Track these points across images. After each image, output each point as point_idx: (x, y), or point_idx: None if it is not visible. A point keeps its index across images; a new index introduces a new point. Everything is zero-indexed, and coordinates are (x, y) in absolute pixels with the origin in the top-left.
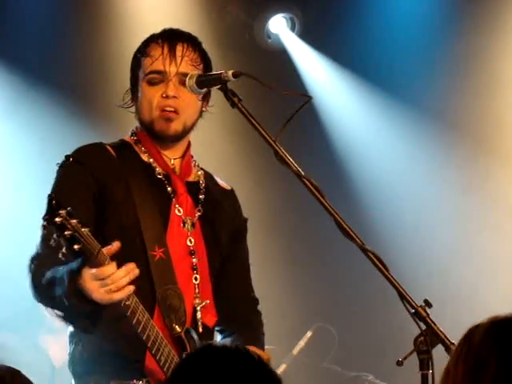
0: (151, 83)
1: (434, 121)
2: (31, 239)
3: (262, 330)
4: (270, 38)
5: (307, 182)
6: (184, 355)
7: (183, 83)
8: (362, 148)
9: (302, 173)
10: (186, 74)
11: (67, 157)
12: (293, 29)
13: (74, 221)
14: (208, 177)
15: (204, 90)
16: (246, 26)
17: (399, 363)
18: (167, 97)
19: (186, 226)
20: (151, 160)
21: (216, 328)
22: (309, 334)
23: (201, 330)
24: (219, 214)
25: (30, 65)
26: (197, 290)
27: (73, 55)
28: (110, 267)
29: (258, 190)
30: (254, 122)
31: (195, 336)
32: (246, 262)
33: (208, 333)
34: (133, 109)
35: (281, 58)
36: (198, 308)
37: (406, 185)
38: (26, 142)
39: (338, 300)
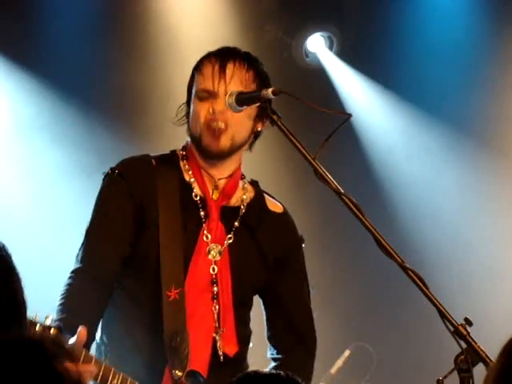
0: (200, 98)
1: (475, 139)
2: (69, 250)
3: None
4: (307, 56)
5: (347, 200)
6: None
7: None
8: (401, 166)
9: (342, 190)
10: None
11: (112, 169)
12: (331, 47)
13: (39, 328)
14: (257, 200)
15: (244, 107)
16: (284, 45)
17: (439, 382)
18: (214, 112)
19: (212, 253)
20: (192, 180)
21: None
22: (347, 353)
23: (222, 359)
24: (257, 242)
25: (66, 80)
26: (216, 320)
27: (110, 71)
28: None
29: (294, 207)
30: (294, 140)
31: (199, 378)
32: (298, 286)
33: (229, 363)
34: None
35: (319, 77)
36: (217, 337)
37: (445, 203)
38: (63, 157)
39: (375, 319)
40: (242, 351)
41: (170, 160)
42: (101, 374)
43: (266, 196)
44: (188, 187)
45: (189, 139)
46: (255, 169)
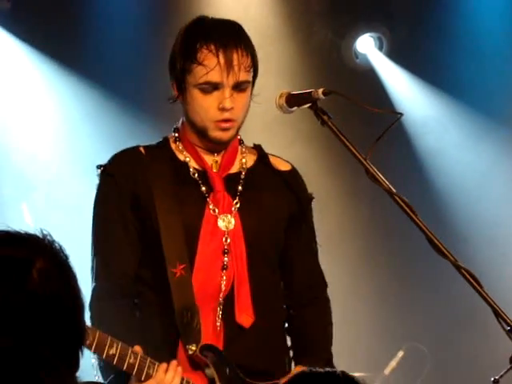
0: (204, 91)
1: None
2: None
3: (328, 319)
4: (357, 57)
5: (399, 200)
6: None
7: (236, 88)
8: (452, 166)
9: (394, 190)
10: (243, 82)
11: (98, 167)
12: (380, 48)
13: None
14: (260, 162)
15: (294, 108)
16: (334, 46)
17: (495, 381)
18: (224, 109)
19: (223, 223)
20: (187, 159)
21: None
22: (400, 353)
23: (232, 330)
24: (266, 201)
25: (107, 78)
26: (224, 291)
27: (150, 70)
28: (165, 376)
29: (349, 201)
30: (345, 140)
31: (215, 351)
32: (309, 246)
33: (243, 333)
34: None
35: (369, 78)
36: (225, 309)
37: (498, 199)
38: (101, 151)
39: (428, 319)
40: (263, 323)
41: (161, 145)
42: (95, 342)
43: (272, 156)
44: (183, 167)
45: (181, 120)
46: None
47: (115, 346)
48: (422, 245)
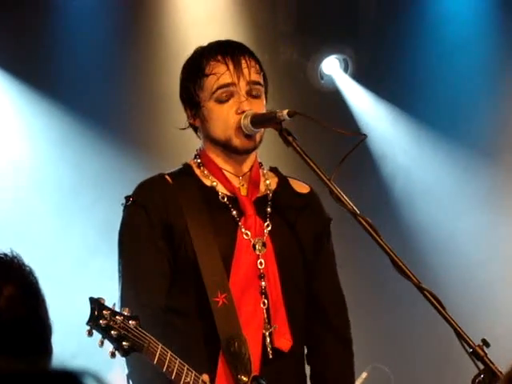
0: (220, 101)
1: (491, 159)
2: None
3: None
4: (323, 78)
5: (363, 221)
6: None
7: (251, 94)
8: (416, 185)
9: (357, 211)
10: (255, 83)
11: (127, 198)
12: (346, 70)
13: (120, 318)
14: (282, 183)
15: (259, 129)
16: (300, 67)
17: None
18: (243, 112)
19: (257, 247)
20: (214, 183)
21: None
22: (364, 374)
23: (271, 356)
24: (292, 225)
25: (80, 104)
26: (265, 315)
27: (124, 95)
28: None
29: None
30: (309, 161)
31: (263, 382)
32: (330, 267)
33: (281, 358)
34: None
35: (334, 99)
36: (267, 334)
37: (460, 222)
38: (78, 182)
39: (392, 340)
40: (299, 345)
41: (185, 172)
42: (175, 371)
43: (290, 179)
44: (211, 192)
45: (200, 146)
46: None
47: (190, 374)
48: (385, 265)
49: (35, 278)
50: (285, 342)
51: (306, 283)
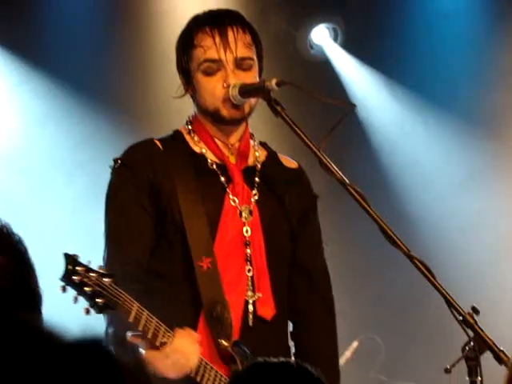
0: (207, 73)
1: (481, 128)
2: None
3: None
4: (312, 48)
5: (352, 190)
6: (232, 374)
7: (241, 67)
8: (406, 154)
9: (347, 181)
10: (243, 58)
11: (115, 160)
12: (335, 39)
13: (94, 274)
14: (270, 156)
15: (247, 99)
16: (289, 37)
17: (447, 371)
18: (229, 86)
19: (244, 215)
20: (203, 150)
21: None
22: (355, 344)
23: (251, 323)
24: (280, 196)
25: (67, 73)
26: (249, 283)
27: (111, 63)
28: (182, 341)
29: None
30: (298, 131)
31: (245, 348)
32: (316, 242)
33: (263, 326)
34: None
35: (324, 69)
36: (250, 301)
37: (450, 191)
38: (62, 150)
39: (383, 309)
40: (281, 314)
41: (175, 138)
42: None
43: (279, 154)
44: (201, 158)
45: (193, 112)
46: None
47: (167, 334)
48: (377, 235)
49: (24, 246)
50: (268, 310)
51: (292, 256)
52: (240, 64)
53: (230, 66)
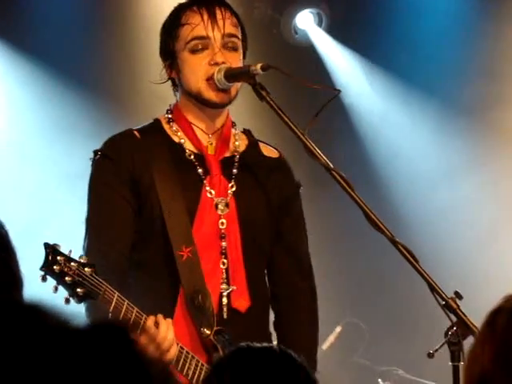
0: (194, 51)
1: (467, 117)
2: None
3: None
4: (297, 33)
5: (336, 175)
6: (214, 360)
7: (227, 46)
8: (390, 141)
9: (331, 165)
10: (230, 35)
11: (95, 152)
12: (320, 24)
13: (74, 264)
14: (251, 146)
15: (232, 83)
16: (274, 22)
17: (430, 355)
18: (216, 64)
19: (220, 207)
20: (182, 140)
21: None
22: (338, 329)
23: (226, 316)
24: (259, 187)
25: (57, 60)
26: (224, 275)
27: (99, 50)
28: (161, 331)
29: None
30: (283, 115)
31: (227, 336)
32: (299, 231)
33: (238, 318)
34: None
35: (308, 54)
36: (225, 294)
37: (435, 178)
38: (53, 138)
39: (366, 294)
40: (257, 307)
41: (154, 127)
42: (113, 304)
43: (261, 143)
44: (179, 149)
45: (174, 101)
46: None
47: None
48: (361, 219)
49: (5, 230)
50: (242, 303)
51: (272, 246)
52: (227, 42)
53: (218, 44)
